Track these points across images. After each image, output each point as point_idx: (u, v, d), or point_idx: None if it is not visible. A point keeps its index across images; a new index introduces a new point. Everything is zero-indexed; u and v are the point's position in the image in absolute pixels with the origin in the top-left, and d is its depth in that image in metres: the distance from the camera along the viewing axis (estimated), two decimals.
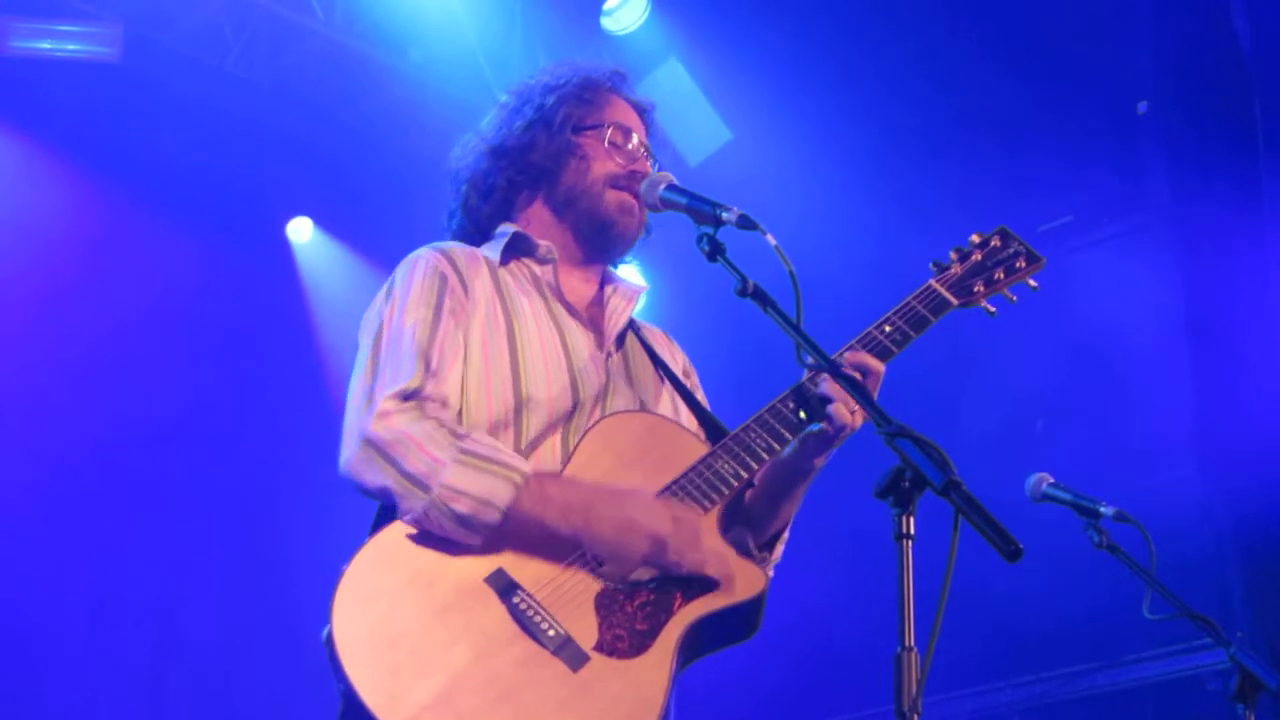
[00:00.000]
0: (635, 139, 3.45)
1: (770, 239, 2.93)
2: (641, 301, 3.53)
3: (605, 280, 3.48)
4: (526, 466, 2.98)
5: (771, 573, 3.30)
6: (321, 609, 2.91)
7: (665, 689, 2.86)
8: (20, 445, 7.75)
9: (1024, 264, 3.43)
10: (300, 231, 8.89)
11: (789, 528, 3.35)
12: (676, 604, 2.96)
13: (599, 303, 3.43)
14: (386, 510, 3.02)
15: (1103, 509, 3.96)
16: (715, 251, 3.02)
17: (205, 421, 8.51)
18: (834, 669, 7.68)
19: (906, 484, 2.56)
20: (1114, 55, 7.84)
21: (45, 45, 7.44)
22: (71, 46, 7.45)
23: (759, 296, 2.94)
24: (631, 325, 3.47)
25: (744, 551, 3.22)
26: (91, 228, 7.99)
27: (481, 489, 2.91)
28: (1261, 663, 3.74)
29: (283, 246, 8.89)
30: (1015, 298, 3.42)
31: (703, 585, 2.98)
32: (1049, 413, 7.59)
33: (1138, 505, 4.09)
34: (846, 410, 3.07)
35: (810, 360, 2.93)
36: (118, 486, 8.12)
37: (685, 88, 8.47)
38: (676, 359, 3.55)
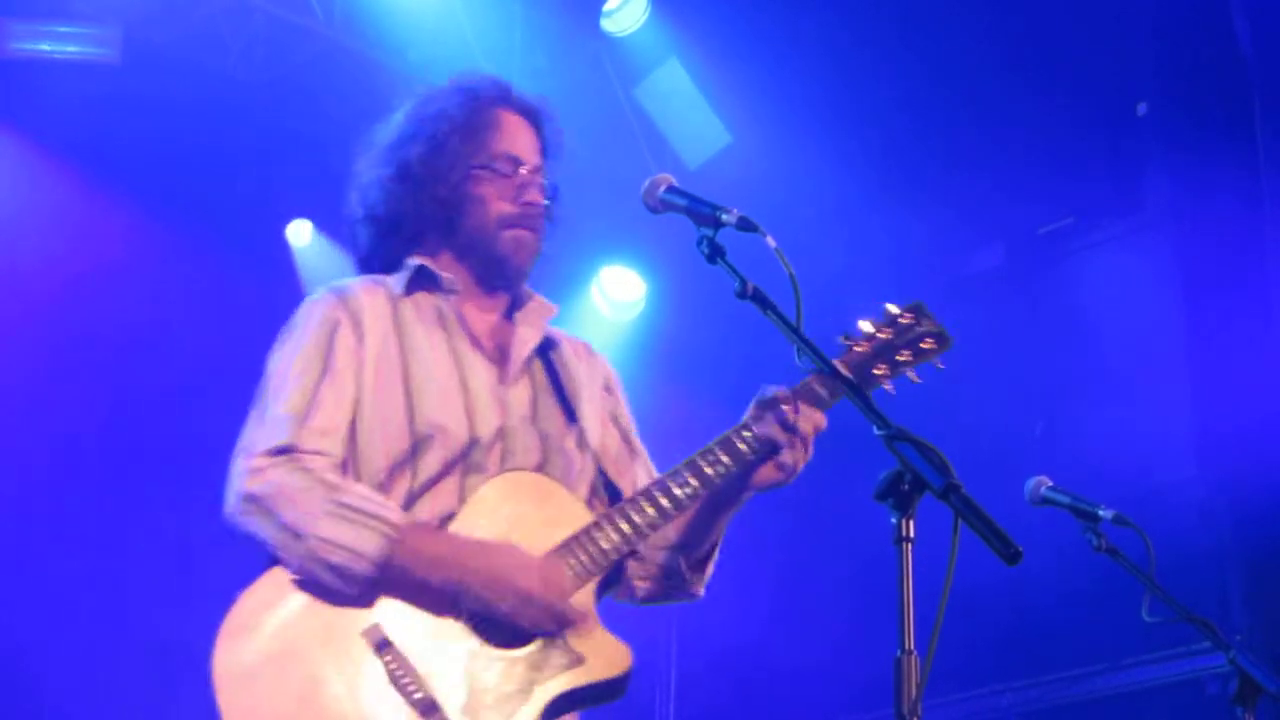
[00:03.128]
0: (524, 163, 3.48)
1: (770, 241, 2.94)
2: (559, 324, 3.57)
3: (515, 305, 3.51)
4: (399, 518, 3.05)
5: (702, 591, 3.41)
6: None
7: None
8: (19, 445, 7.74)
9: (931, 345, 3.31)
10: (300, 234, 8.89)
11: (718, 548, 3.40)
12: (544, 674, 3.02)
13: (507, 331, 3.46)
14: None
15: (1101, 512, 3.95)
16: (715, 253, 3.02)
17: (204, 424, 8.49)
18: (835, 672, 7.67)
19: (906, 487, 2.57)
20: (1114, 55, 7.83)
21: (45, 47, 7.44)
22: (71, 48, 7.45)
23: (759, 299, 2.94)
24: (547, 347, 3.49)
25: (668, 573, 3.34)
26: (90, 230, 7.98)
27: (352, 540, 2.99)
28: (1261, 666, 3.74)
29: (282, 249, 8.89)
30: (919, 379, 3.32)
31: (570, 659, 3.04)
32: (1049, 414, 7.58)
33: (1137, 507, 4.08)
34: (802, 453, 3.14)
35: (810, 364, 2.93)
36: (116, 489, 8.11)
37: (685, 89, 8.47)
38: (596, 373, 3.57)
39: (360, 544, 2.99)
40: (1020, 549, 2.41)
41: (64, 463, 7.96)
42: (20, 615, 7.65)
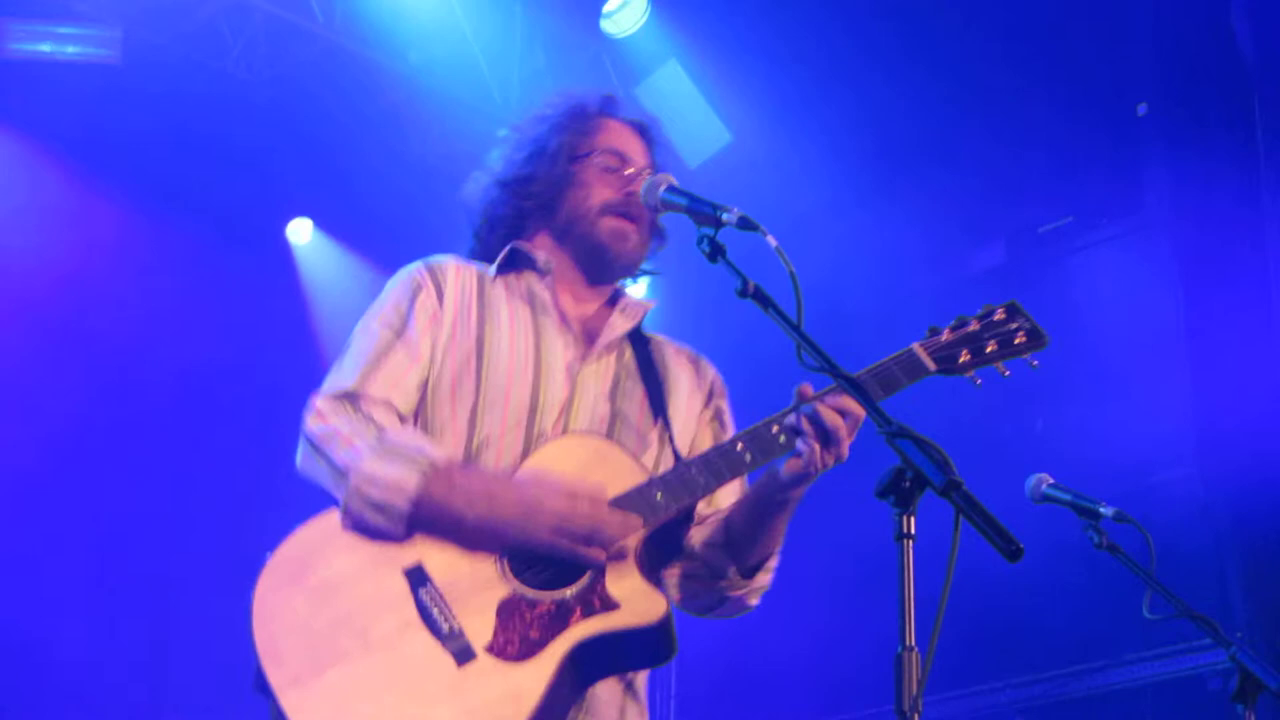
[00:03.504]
0: (630, 161, 3.49)
1: (771, 240, 2.93)
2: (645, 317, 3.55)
3: (615, 299, 3.51)
4: (439, 457, 3.08)
5: (755, 601, 3.36)
6: None
7: (539, 697, 2.93)
8: (20, 446, 7.75)
9: (1023, 339, 3.33)
10: (300, 233, 8.90)
11: (776, 555, 3.35)
12: (573, 619, 3.01)
13: (601, 319, 3.46)
14: None
15: (1102, 509, 3.96)
16: (716, 253, 3.02)
17: (205, 422, 8.52)
18: (835, 669, 7.68)
19: (907, 484, 2.57)
20: (1114, 55, 7.83)
21: (45, 48, 7.45)
22: (71, 49, 7.46)
23: (759, 297, 2.93)
24: (642, 342, 3.49)
25: (716, 574, 3.29)
26: (91, 229, 8.00)
27: (391, 476, 3.03)
28: (1262, 662, 3.74)
29: (283, 248, 8.90)
30: (1008, 373, 3.32)
31: (603, 604, 3.03)
32: (1049, 413, 7.59)
33: (1137, 505, 4.09)
34: (819, 448, 3.05)
35: (811, 361, 2.93)
36: (117, 487, 8.12)
37: (685, 90, 8.47)
38: (702, 381, 3.54)
39: (399, 480, 3.02)
40: (1021, 546, 2.41)
41: (65, 461, 7.97)
42: (22, 611, 7.66)
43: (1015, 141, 7.97)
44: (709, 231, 3.03)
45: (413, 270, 3.39)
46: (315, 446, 3.15)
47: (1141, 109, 7.74)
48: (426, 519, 3.04)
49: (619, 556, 3.07)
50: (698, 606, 3.40)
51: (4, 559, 7.62)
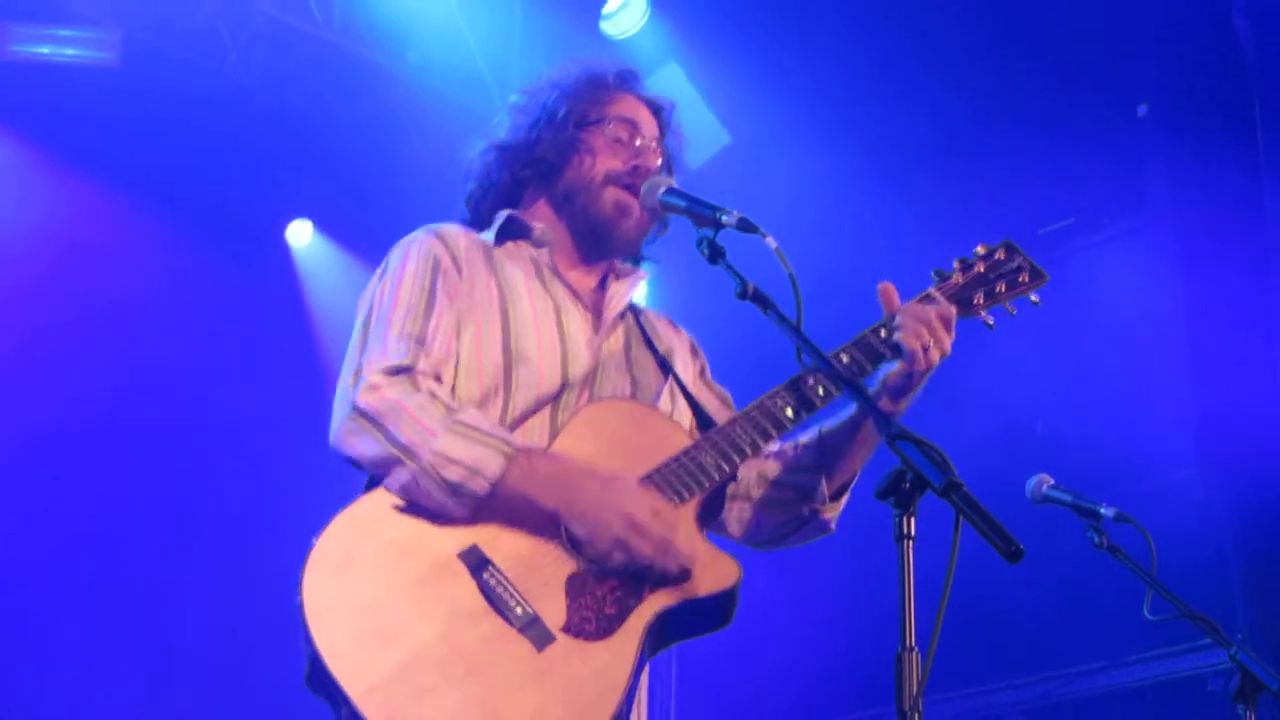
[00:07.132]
0: (642, 134, 3.43)
1: (770, 241, 2.94)
2: (642, 288, 3.54)
3: (608, 270, 3.46)
4: (517, 440, 3.00)
5: (834, 526, 3.35)
6: None
7: (629, 673, 2.88)
8: (20, 446, 7.75)
9: (1026, 279, 3.41)
10: (299, 235, 8.90)
11: (854, 481, 3.35)
12: (646, 590, 2.96)
13: (599, 289, 3.42)
14: (374, 484, 3.04)
15: (1103, 510, 3.97)
16: (715, 254, 3.03)
17: (205, 424, 8.52)
18: (835, 669, 7.67)
19: (907, 485, 2.58)
20: (1114, 55, 7.83)
21: (44, 50, 7.45)
22: (70, 51, 7.46)
23: (759, 299, 2.95)
24: (634, 312, 3.47)
25: (806, 497, 3.28)
26: (90, 232, 8.00)
27: (473, 457, 2.92)
28: (1262, 663, 3.75)
29: (282, 250, 8.90)
30: (1015, 310, 3.39)
31: (675, 574, 2.98)
32: (1049, 414, 7.58)
33: (1138, 506, 4.09)
34: (921, 349, 3.12)
35: (810, 362, 2.94)
36: (115, 488, 8.12)
37: (684, 91, 8.46)
38: (683, 339, 3.55)
39: (480, 462, 2.92)
40: (1022, 547, 2.41)
41: (66, 462, 7.98)
42: (21, 609, 7.67)
43: (1015, 142, 7.97)
44: (708, 233, 3.05)
45: (424, 240, 3.29)
46: (372, 420, 2.95)
47: (1142, 109, 7.73)
48: (497, 504, 2.94)
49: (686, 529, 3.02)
50: (767, 534, 3.37)
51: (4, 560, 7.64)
